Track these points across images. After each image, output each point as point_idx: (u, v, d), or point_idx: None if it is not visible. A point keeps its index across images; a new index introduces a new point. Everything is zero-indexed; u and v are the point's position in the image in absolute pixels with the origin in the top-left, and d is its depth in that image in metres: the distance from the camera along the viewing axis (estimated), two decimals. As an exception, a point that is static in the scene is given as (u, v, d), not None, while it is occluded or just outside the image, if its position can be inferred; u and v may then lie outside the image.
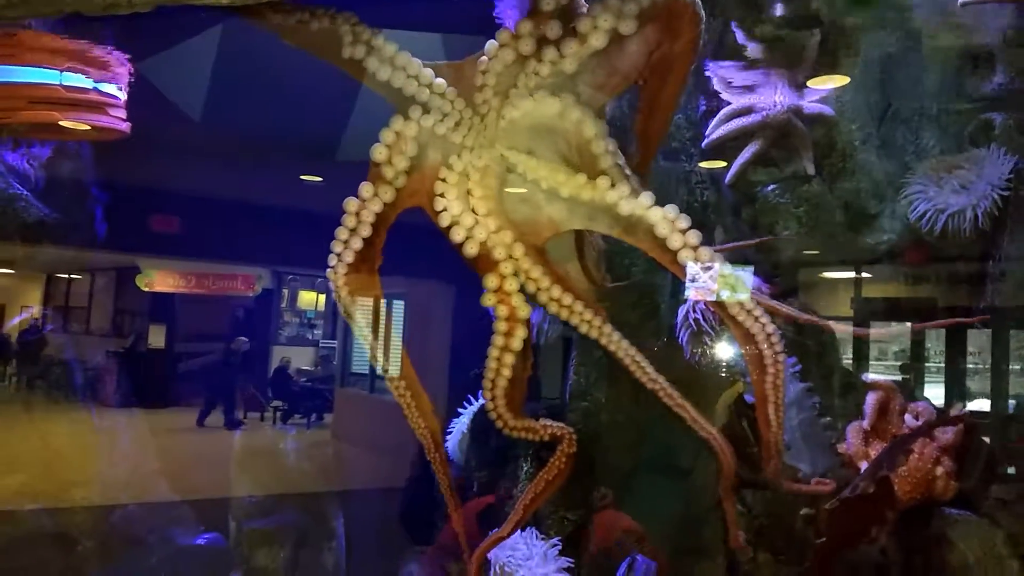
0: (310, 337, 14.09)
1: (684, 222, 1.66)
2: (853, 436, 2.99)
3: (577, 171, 1.75)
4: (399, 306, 10.06)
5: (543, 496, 2.05)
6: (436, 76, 1.76)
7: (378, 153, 1.75)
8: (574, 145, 1.77)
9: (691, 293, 3.13)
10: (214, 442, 10.16)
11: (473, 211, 1.76)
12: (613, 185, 1.71)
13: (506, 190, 1.81)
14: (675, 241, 1.66)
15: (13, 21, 2.60)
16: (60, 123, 2.93)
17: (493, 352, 1.84)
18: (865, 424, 2.99)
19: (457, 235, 1.76)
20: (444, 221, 1.77)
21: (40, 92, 2.73)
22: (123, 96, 2.97)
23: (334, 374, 11.86)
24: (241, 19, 1.84)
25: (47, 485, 6.09)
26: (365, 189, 1.75)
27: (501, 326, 1.82)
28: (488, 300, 1.79)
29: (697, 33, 1.68)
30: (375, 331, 1.93)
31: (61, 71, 2.73)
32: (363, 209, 1.76)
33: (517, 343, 1.84)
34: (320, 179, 6.02)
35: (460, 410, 3.84)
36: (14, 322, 13.57)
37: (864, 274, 4.28)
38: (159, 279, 11.32)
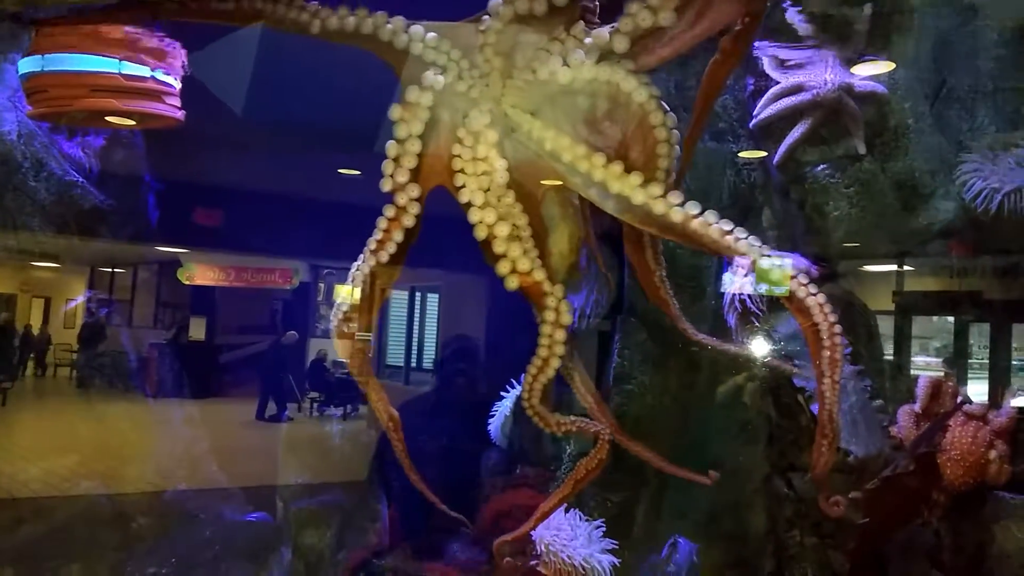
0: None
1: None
2: (905, 419, 2.96)
3: (596, 146, 1.72)
4: (433, 299, 10.14)
5: (586, 479, 2.08)
6: (427, 32, 1.79)
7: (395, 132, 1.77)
8: (634, 128, 1.75)
9: (735, 277, 3.13)
10: (253, 432, 10.36)
11: (482, 174, 1.77)
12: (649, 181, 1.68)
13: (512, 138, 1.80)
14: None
15: (76, 7, 2.66)
16: (114, 111, 2.99)
17: (544, 330, 1.85)
18: (917, 407, 2.96)
19: (472, 216, 1.77)
20: (463, 198, 1.79)
21: (101, 80, 2.79)
22: (178, 85, 3.03)
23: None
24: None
25: (101, 466, 6.28)
26: (386, 165, 1.78)
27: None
28: (512, 283, 1.79)
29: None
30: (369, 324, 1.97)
31: (120, 59, 2.79)
32: (398, 191, 1.77)
33: (566, 317, 1.85)
34: (358, 172, 6.06)
35: (503, 393, 3.86)
36: (70, 306, 13.91)
37: (907, 267, 4.19)
38: (200, 272, 11.51)
